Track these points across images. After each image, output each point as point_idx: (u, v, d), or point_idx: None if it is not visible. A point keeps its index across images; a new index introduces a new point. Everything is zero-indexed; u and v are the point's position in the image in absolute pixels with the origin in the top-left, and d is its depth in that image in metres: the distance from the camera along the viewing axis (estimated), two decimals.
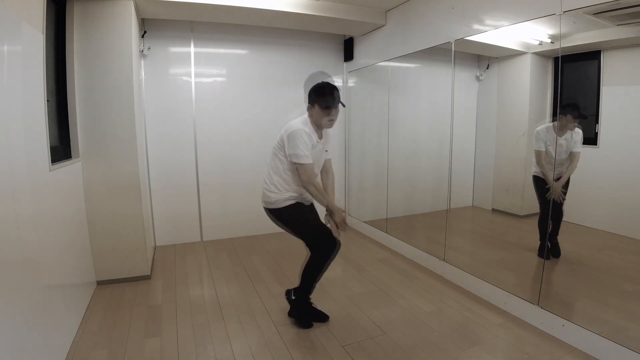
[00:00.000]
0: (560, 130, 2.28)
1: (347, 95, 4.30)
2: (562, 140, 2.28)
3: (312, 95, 2.00)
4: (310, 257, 2.07)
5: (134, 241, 2.79)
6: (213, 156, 3.81)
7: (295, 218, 2.09)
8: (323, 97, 1.94)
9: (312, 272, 2.09)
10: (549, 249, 2.29)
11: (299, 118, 2.04)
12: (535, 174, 2.48)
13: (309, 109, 2.03)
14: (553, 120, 2.35)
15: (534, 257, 2.43)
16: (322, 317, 2.22)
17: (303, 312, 2.19)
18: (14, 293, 1.38)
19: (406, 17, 3.27)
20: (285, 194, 2.05)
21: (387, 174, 3.73)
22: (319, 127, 2.04)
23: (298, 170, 1.98)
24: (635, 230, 2.15)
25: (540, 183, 2.41)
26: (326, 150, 2.14)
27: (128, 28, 2.63)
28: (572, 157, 2.30)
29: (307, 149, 1.93)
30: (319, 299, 2.53)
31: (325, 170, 2.21)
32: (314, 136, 2.01)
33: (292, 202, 2.07)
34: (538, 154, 2.42)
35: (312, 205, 2.18)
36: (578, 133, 2.28)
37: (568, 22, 1.95)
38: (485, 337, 2.07)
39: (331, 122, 2.00)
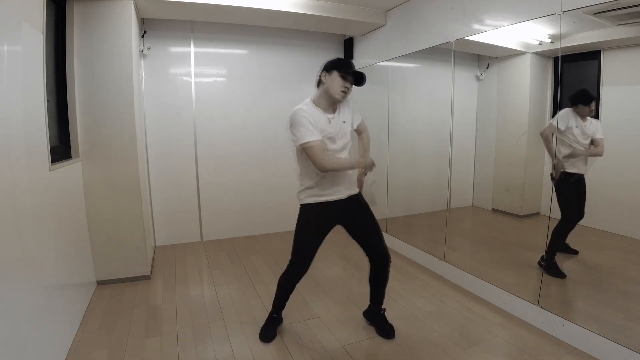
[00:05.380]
0: (581, 118, 2.25)
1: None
2: (582, 125, 2.27)
3: (331, 63, 1.84)
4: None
5: (134, 241, 2.79)
6: (213, 156, 3.81)
7: (300, 222, 1.93)
8: (344, 63, 1.82)
9: (279, 286, 2.07)
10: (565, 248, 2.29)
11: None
12: (563, 170, 2.30)
13: (321, 79, 1.86)
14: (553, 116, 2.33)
15: (534, 257, 2.43)
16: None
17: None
18: (14, 293, 1.38)
19: (406, 17, 3.27)
20: (303, 187, 1.91)
21: (387, 174, 3.73)
22: (330, 99, 1.85)
23: (307, 153, 1.75)
24: (635, 230, 2.15)
25: (569, 182, 2.27)
26: (344, 122, 1.91)
27: (128, 28, 2.63)
28: (597, 142, 2.25)
29: (308, 127, 1.73)
30: (319, 298, 2.53)
31: (360, 131, 2.05)
32: (322, 114, 1.83)
33: (311, 201, 1.89)
34: (550, 128, 2.27)
35: (335, 211, 1.92)
36: (596, 123, 2.24)
37: (568, 22, 1.95)
38: (485, 337, 2.07)
39: (344, 93, 1.81)
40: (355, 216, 1.97)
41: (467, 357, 1.89)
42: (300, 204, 1.94)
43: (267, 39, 3.87)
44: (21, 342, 1.40)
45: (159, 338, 2.07)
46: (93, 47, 2.56)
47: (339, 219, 1.96)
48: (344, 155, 1.93)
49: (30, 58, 1.74)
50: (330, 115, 1.87)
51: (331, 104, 1.88)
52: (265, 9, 3.07)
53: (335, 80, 1.80)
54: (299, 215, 1.95)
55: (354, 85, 1.86)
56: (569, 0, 1.90)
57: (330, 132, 1.84)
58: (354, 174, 1.97)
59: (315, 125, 1.77)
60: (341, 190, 1.90)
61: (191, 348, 1.98)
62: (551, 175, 2.32)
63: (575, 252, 2.36)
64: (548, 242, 2.17)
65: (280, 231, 4.09)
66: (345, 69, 1.81)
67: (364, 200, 2.04)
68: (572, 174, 2.28)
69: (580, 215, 2.30)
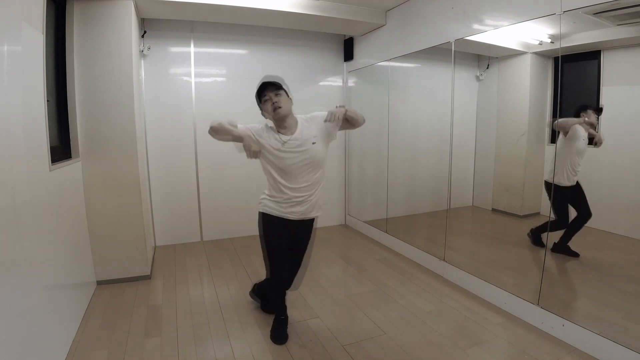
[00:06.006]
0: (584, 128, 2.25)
1: (347, 95, 4.30)
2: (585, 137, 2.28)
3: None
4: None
5: (134, 241, 2.79)
6: (213, 156, 3.80)
7: (260, 231, 1.99)
8: (257, 89, 1.88)
9: (268, 293, 2.24)
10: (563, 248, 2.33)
11: None
12: (558, 184, 2.26)
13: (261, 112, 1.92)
14: (553, 120, 2.35)
15: (534, 258, 2.43)
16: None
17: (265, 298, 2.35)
18: (14, 293, 1.38)
19: (406, 17, 3.27)
20: (262, 197, 1.97)
21: (387, 174, 3.73)
22: (276, 122, 1.85)
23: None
24: (635, 230, 2.15)
25: (565, 193, 2.28)
26: (314, 143, 1.85)
27: (128, 28, 2.63)
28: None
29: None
30: (319, 298, 2.53)
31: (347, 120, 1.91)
32: (275, 134, 1.85)
33: (265, 211, 1.94)
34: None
35: (286, 226, 1.93)
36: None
37: (568, 22, 1.95)
38: (485, 337, 2.07)
39: (275, 109, 1.79)
40: (296, 238, 2.01)
41: (467, 357, 1.89)
42: (258, 211, 2.00)
43: (267, 39, 3.87)
44: (21, 342, 1.40)
45: (159, 338, 2.07)
46: (93, 47, 2.56)
47: (288, 235, 1.97)
48: (316, 175, 1.90)
49: (30, 58, 1.74)
50: (286, 137, 1.84)
51: (281, 124, 1.86)
52: (265, 9, 3.07)
53: (262, 105, 1.88)
54: (258, 221, 2.01)
55: (276, 90, 1.84)
56: (569, 0, 1.90)
57: (285, 152, 1.83)
58: (312, 201, 1.93)
59: (275, 147, 1.83)
60: (295, 212, 1.91)
61: (191, 348, 1.99)
62: (545, 182, 2.34)
63: (576, 255, 2.36)
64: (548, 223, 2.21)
65: None
66: (257, 92, 1.88)
67: (311, 230, 2.06)
68: (568, 186, 2.30)
69: (588, 214, 2.29)
